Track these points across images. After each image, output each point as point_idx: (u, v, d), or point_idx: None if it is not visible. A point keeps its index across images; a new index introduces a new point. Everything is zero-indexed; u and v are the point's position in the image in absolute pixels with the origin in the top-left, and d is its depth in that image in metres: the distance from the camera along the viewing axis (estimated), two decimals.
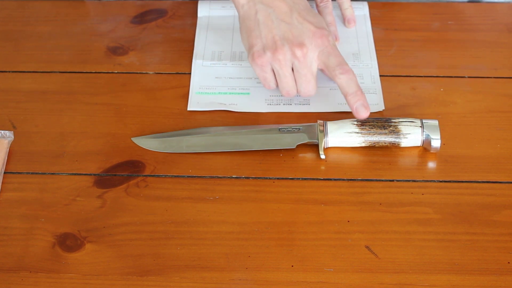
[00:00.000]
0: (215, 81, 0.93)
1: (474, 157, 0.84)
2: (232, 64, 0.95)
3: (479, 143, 0.85)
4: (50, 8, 1.06)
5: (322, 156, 0.83)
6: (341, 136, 0.83)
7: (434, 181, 0.81)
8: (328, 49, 0.85)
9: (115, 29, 1.02)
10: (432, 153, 0.84)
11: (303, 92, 0.87)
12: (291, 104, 0.90)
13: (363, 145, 0.84)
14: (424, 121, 0.83)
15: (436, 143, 0.82)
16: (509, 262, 0.74)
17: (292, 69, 0.86)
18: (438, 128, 0.83)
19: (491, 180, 0.81)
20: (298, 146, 0.84)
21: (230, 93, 0.92)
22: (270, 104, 0.90)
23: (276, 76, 0.87)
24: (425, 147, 0.83)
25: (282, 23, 0.86)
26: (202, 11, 1.03)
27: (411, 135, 0.83)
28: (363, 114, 0.83)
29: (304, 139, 0.84)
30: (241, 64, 0.95)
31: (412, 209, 0.78)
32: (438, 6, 1.05)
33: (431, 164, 0.83)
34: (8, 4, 1.07)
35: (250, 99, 0.91)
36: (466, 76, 0.94)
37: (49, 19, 1.04)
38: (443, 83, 0.93)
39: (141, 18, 1.04)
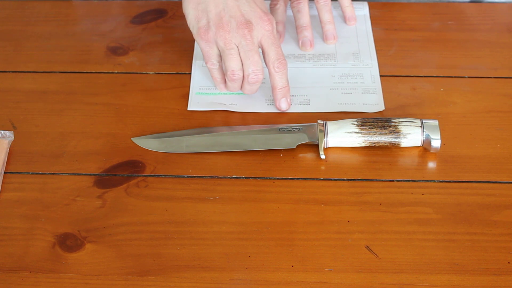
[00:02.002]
0: None
1: (474, 157, 0.84)
2: None
3: (479, 143, 0.85)
4: (50, 8, 1.06)
5: (322, 156, 0.83)
6: (341, 136, 0.83)
7: (434, 181, 0.81)
8: (271, 36, 0.87)
9: (115, 29, 1.02)
10: (432, 153, 0.84)
11: (251, 78, 0.87)
12: (291, 104, 0.90)
13: (363, 145, 0.84)
14: (424, 121, 0.83)
15: (436, 143, 0.82)
16: (509, 262, 0.74)
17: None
18: (438, 128, 0.83)
19: (491, 180, 0.81)
20: (298, 146, 0.84)
21: (230, 93, 0.92)
22: (270, 104, 0.90)
23: (222, 55, 0.87)
24: (425, 147, 0.83)
25: (230, 0, 0.87)
26: None
27: (411, 135, 0.83)
28: (284, 107, 0.88)
29: (304, 139, 0.84)
30: None
31: (412, 209, 0.78)
32: (438, 6, 1.05)
33: (431, 164, 0.83)
34: (8, 4, 1.07)
35: (250, 99, 0.91)
36: (466, 76, 0.94)
37: (49, 19, 1.04)
38: (443, 83, 0.93)
39: (141, 18, 1.04)
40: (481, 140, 0.86)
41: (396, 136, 0.83)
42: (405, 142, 0.83)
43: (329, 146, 0.84)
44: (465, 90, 0.92)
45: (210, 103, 0.90)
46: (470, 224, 0.77)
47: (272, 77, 0.88)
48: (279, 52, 0.87)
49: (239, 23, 0.85)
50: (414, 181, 0.81)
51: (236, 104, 0.90)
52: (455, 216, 0.78)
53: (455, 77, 0.93)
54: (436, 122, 0.83)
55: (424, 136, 0.83)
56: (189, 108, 0.90)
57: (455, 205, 0.79)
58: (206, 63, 0.90)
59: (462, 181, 0.81)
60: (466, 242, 0.75)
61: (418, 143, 0.83)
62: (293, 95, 0.91)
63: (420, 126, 0.83)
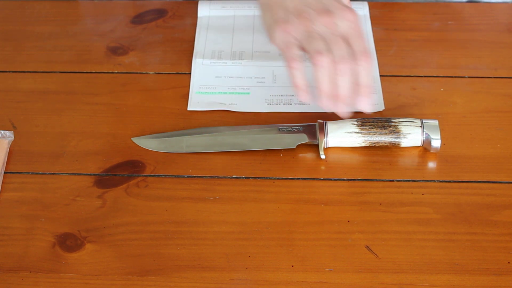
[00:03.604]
0: (215, 80, 0.93)
1: (474, 157, 0.84)
2: (232, 63, 0.95)
3: (479, 143, 0.85)
4: (50, 8, 1.06)
5: (322, 156, 0.83)
6: (341, 136, 0.83)
7: (434, 181, 0.81)
8: (355, 26, 0.80)
9: (115, 29, 1.02)
10: (432, 153, 0.84)
11: (340, 65, 0.77)
12: (291, 104, 0.90)
13: (363, 145, 0.84)
14: (424, 121, 0.83)
15: (436, 143, 0.82)
16: (509, 262, 0.74)
17: None
18: (438, 128, 0.83)
19: (491, 180, 0.81)
20: (298, 146, 0.84)
21: (230, 93, 0.92)
22: (270, 104, 0.90)
23: (304, 43, 0.79)
24: (425, 147, 0.83)
25: None
26: (202, 11, 1.03)
27: (411, 135, 0.83)
28: (365, 108, 0.80)
29: (304, 139, 0.84)
30: (241, 63, 0.95)
31: (412, 209, 0.78)
32: (438, 6, 1.05)
33: (431, 164, 0.83)
34: (8, 4, 1.07)
35: (250, 99, 0.91)
36: (466, 76, 0.94)
37: (49, 19, 1.04)
38: (443, 83, 0.93)
39: (141, 18, 1.04)
40: (481, 140, 0.85)
41: (396, 136, 0.83)
42: (405, 142, 0.83)
43: (329, 146, 0.84)
44: (465, 90, 0.92)
45: (210, 103, 0.90)
46: (470, 224, 0.77)
47: (355, 71, 0.79)
48: (363, 44, 0.79)
49: (319, 11, 0.79)
50: (414, 181, 0.81)
51: (236, 104, 0.90)
52: (455, 216, 0.78)
53: (455, 77, 0.93)
54: (436, 122, 0.83)
55: (424, 136, 0.83)
56: (189, 108, 0.90)
57: (455, 205, 0.79)
58: (287, 63, 0.80)
59: (462, 181, 0.81)
60: (466, 242, 0.75)
61: (418, 143, 0.83)
62: (293, 95, 0.91)
63: (420, 126, 0.83)
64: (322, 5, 0.81)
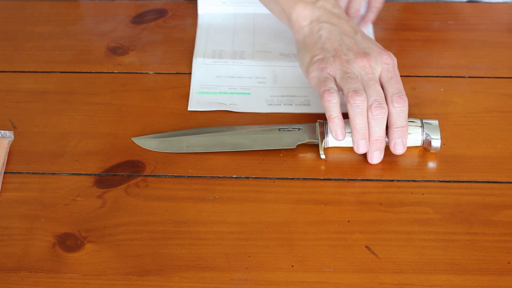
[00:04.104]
0: (216, 80, 0.93)
1: (474, 157, 0.84)
2: (233, 62, 0.95)
3: (479, 143, 0.85)
4: (50, 8, 1.06)
5: (322, 156, 0.83)
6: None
7: (434, 181, 0.81)
8: (392, 70, 0.82)
9: (115, 29, 1.02)
10: (432, 153, 0.84)
11: (374, 108, 0.79)
12: (291, 105, 0.90)
13: None
14: (424, 121, 0.83)
15: (436, 143, 0.82)
16: (509, 262, 0.74)
17: None
18: (438, 128, 0.83)
19: (491, 180, 0.81)
20: (298, 146, 0.84)
21: (230, 93, 0.92)
22: (271, 105, 0.90)
23: (340, 82, 0.81)
24: (425, 147, 0.83)
25: (346, 37, 0.83)
26: (202, 7, 1.03)
27: (411, 135, 0.83)
28: (399, 151, 0.82)
29: (304, 139, 0.84)
30: (242, 63, 0.95)
31: (412, 209, 0.78)
32: (438, 6, 1.05)
33: (431, 164, 0.83)
34: (8, 4, 1.07)
35: (250, 99, 0.91)
36: (466, 76, 0.94)
37: (49, 19, 1.04)
38: (443, 83, 0.93)
39: (141, 18, 1.04)
40: (481, 140, 0.85)
41: None
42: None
43: (329, 146, 0.84)
44: (465, 90, 0.92)
45: (211, 103, 0.90)
46: (470, 224, 0.77)
47: (390, 113, 0.80)
48: (399, 87, 0.81)
49: (357, 54, 0.81)
50: (414, 181, 0.81)
51: (237, 104, 0.90)
52: (455, 216, 0.78)
53: (455, 77, 0.93)
54: (436, 122, 0.83)
55: (424, 136, 0.83)
56: (189, 108, 0.90)
57: (455, 205, 0.79)
58: (322, 95, 0.80)
59: (462, 181, 0.81)
60: (466, 242, 0.75)
61: (418, 143, 0.83)
62: (293, 95, 0.91)
63: (420, 126, 0.83)
64: (360, 47, 0.83)
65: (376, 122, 0.80)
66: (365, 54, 0.82)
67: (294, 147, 0.84)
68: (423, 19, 1.03)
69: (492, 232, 0.76)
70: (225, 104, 0.90)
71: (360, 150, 0.81)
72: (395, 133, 0.81)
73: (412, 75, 0.94)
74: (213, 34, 1.00)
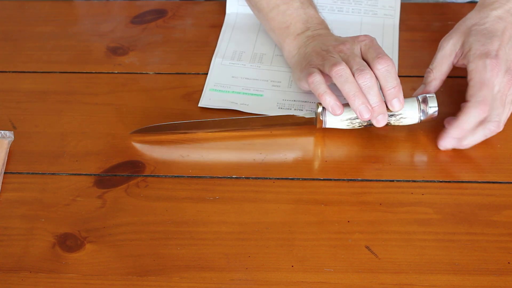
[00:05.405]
0: (231, 79, 0.93)
1: (474, 157, 0.84)
2: (251, 65, 0.95)
3: (479, 143, 0.85)
4: (50, 8, 1.06)
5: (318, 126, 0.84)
6: (340, 116, 0.83)
7: (434, 181, 0.81)
8: (369, 43, 0.83)
9: (115, 29, 1.02)
10: (432, 152, 0.84)
11: (358, 74, 0.80)
12: (302, 110, 0.89)
13: (362, 125, 0.83)
14: (419, 96, 0.84)
15: (432, 110, 0.83)
16: (509, 262, 0.74)
17: None
18: (435, 98, 0.83)
19: (491, 180, 0.81)
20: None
21: (243, 93, 0.91)
22: (281, 108, 0.90)
23: (322, 67, 0.83)
24: (425, 120, 0.83)
25: (327, 41, 0.86)
26: (231, 7, 1.02)
27: (407, 112, 0.83)
28: (397, 109, 0.82)
29: (302, 114, 0.85)
30: (259, 67, 0.95)
31: (412, 209, 0.78)
32: (438, 6, 1.05)
33: (431, 164, 0.83)
34: (8, 4, 1.07)
35: (262, 101, 0.90)
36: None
37: (49, 19, 1.04)
38: (443, 83, 0.93)
39: (141, 18, 1.04)
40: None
41: (392, 113, 0.83)
42: (403, 118, 0.83)
43: (327, 126, 0.84)
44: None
45: (222, 100, 0.90)
46: (470, 224, 0.77)
47: (378, 77, 0.81)
48: (378, 51, 0.82)
49: (336, 44, 0.85)
50: (414, 181, 0.81)
51: (248, 105, 0.90)
52: (455, 216, 0.78)
53: (455, 77, 0.93)
54: (432, 94, 0.84)
55: (421, 107, 0.83)
56: (200, 104, 0.90)
57: (455, 205, 0.79)
58: (318, 97, 0.83)
59: (462, 181, 0.81)
60: (466, 242, 0.75)
61: (416, 118, 0.83)
62: (305, 101, 0.90)
63: (416, 100, 0.83)
64: (339, 41, 0.86)
65: (367, 90, 0.80)
66: (342, 42, 0.85)
67: (292, 118, 0.85)
68: (423, 19, 1.03)
69: (492, 232, 0.76)
70: (236, 103, 0.90)
71: (364, 116, 0.81)
72: (388, 95, 0.81)
73: (412, 75, 0.94)
74: (237, 34, 0.99)
